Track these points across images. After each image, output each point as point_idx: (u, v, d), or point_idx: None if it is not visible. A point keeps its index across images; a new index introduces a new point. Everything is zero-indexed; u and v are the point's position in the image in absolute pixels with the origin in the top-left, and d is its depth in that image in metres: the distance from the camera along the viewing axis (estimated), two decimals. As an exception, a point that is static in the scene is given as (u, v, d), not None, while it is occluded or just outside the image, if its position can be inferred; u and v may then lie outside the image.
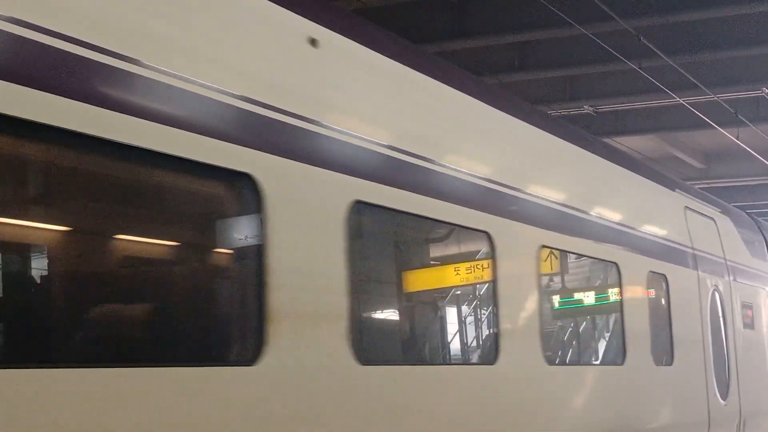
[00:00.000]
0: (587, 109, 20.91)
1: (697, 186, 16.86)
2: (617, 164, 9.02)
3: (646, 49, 14.52)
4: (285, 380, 4.61)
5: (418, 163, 5.85)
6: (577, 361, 8.43)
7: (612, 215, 8.51)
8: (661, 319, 9.12)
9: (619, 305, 8.29)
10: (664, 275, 9.19)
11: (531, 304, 6.87)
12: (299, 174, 4.83)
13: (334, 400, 4.92)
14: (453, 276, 6.94)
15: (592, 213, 8.07)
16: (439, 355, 6.80)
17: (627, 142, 22.63)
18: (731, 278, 11.18)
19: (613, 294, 8.48)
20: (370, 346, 5.68)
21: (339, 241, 5.02)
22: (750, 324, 11.74)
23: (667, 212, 9.95)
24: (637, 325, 8.47)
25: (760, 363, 12.13)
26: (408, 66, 5.97)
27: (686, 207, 10.27)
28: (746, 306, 11.67)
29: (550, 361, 7.05)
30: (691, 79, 16.17)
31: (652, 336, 8.74)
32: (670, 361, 9.11)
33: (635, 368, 8.36)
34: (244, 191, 4.59)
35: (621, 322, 8.23)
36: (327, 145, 5.09)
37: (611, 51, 14.77)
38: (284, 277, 4.62)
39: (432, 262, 6.89)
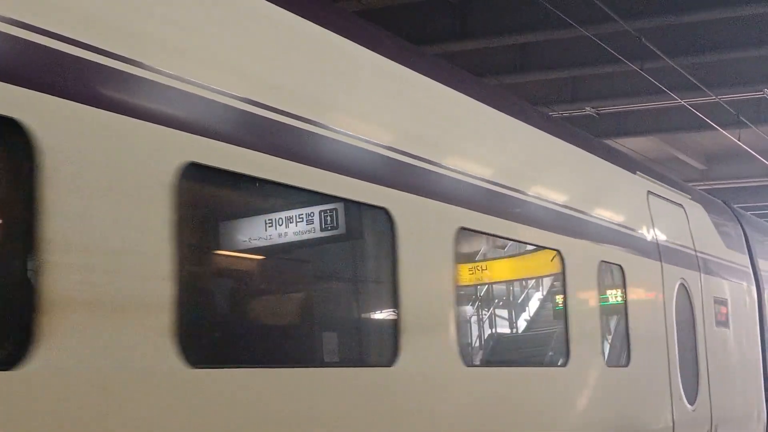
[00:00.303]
0: (589, 110, 20.91)
1: (698, 187, 16.82)
2: (564, 140, 7.97)
3: (648, 50, 14.52)
4: (67, 387, 3.58)
5: (285, 121, 4.74)
6: (507, 362, 7.30)
7: (555, 196, 7.40)
8: (616, 315, 8.25)
9: (562, 298, 7.25)
10: (619, 266, 8.18)
11: (444, 295, 5.78)
12: (103, 125, 3.80)
13: (151, 412, 3.88)
14: (336, 258, 5.69)
15: (529, 192, 6.96)
16: (311, 356, 5.30)
17: (628, 144, 22.65)
18: (702, 271, 10.12)
19: (554, 285, 7.43)
20: (206, 344, 4.54)
21: (164, 212, 4.02)
22: (724, 322, 10.67)
23: (625, 196, 8.93)
24: (585, 321, 7.44)
25: (736, 364, 11.01)
26: None
27: (649, 192, 9.26)
28: (720, 302, 10.59)
29: (470, 362, 6.01)
30: (693, 80, 16.17)
31: (604, 333, 7.79)
32: (626, 362, 8.16)
33: (581, 370, 7.35)
34: (8, 141, 3.59)
35: (564, 317, 7.18)
36: (147, 90, 4.05)
37: (613, 52, 14.76)
38: (71, 255, 3.64)
39: (307, 242, 5.40)
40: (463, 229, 6.00)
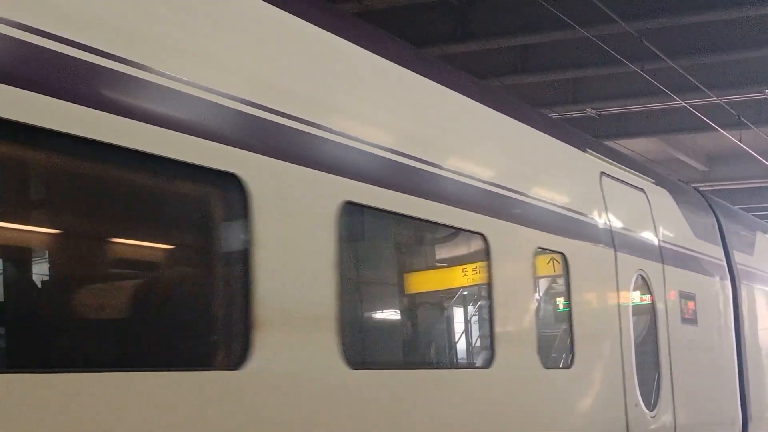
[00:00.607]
0: (590, 111, 20.92)
1: (700, 188, 16.83)
2: (494, 109, 6.95)
3: (649, 51, 14.53)
4: None
5: (110, 66, 3.85)
6: (410, 363, 6.24)
7: (479, 171, 6.42)
8: (557, 310, 7.45)
9: (486, 290, 6.30)
10: (561, 254, 7.22)
11: (322, 281, 4.81)
12: None
13: None
14: (174, 236, 4.49)
15: (443, 165, 5.99)
16: (119, 357, 4.13)
17: (629, 145, 22.66)
18: (666, 262, 9.15)
19: (476, 275, 6.46)
20: (20, 343, 3.71)
21: None
22: (692, 319, 9.65)
23: (571, 176, 7.96)
24: (515, 316, 6.56)
25: (706, 366, 9.97)
26: None
27: (602, 173, 8.29)
28: (687, 297, 9.57)
29: (356, 363, 4.99)
30: (694, 81, 16.18)
31: (541, 331, 6.84)
32: (568, 363, 7.24)
33: (509, 372, 6.38)
34: None
35: (489, 311, 6.26)
36: None
37: (614, 54, 14.78)
38: None
39: (124, 213, 4.26)
40: (351, 204, 5.05)
